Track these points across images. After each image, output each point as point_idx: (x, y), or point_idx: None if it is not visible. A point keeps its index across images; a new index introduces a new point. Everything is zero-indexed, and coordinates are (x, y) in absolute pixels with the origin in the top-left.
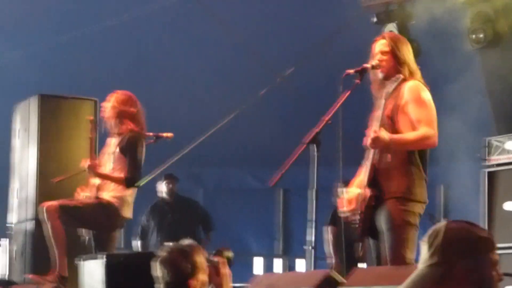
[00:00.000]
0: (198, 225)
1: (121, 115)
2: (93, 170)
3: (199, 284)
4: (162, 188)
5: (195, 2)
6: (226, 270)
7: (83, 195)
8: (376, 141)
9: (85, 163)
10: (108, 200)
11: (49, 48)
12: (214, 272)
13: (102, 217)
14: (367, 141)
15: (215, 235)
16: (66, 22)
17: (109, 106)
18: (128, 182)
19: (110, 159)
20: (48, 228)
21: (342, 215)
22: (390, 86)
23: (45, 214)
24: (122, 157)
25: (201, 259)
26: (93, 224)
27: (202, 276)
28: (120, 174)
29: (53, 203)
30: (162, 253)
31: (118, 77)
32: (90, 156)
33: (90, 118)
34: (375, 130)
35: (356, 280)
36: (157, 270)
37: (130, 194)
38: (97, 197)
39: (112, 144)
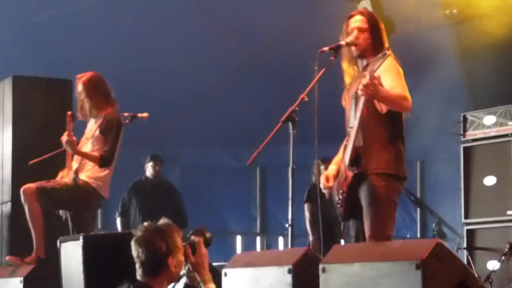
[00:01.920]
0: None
1: (94, 98)
2: (71, 145)
3: (175, 263)
4: (148, 169)
5: None
6: (203, 250)
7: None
8: (371, 86)
9: (64, 139)
10: (85, 180)
11: (23, 29)
12: (191, 251)
13: (79, 198)
14: (361, 86)
15: (193, 214)
16: (41, 2)
17: (81, 88)
18: (103, 161)
19: (89, 141)
20: (26, 210)
21: (322, 191)
22: (376, 63)
23: (22, 196)
24: (101, 137)
25: (177, 238)
26: (71, 205)
27: (179, 256)
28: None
29: (31, 185)
30: (138, 232)
31: (93, 57)
32: (68, 133)
33: (69, 113)
34: (366, 77)
35: (335, 257)
36: (133, 250)
37: (107, 173)
38: (74, 179)
39: (91, 125)
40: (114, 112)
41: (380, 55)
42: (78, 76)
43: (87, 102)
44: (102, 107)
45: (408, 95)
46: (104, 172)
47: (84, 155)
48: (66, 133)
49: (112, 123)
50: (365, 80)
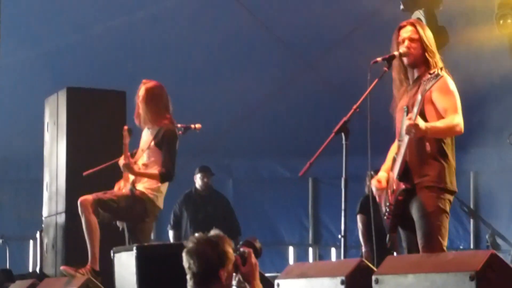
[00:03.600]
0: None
1: (152, 108)
2: (129, 169)
3: (226, 275)
4: (197, 181)
5: None
6: (253, 260)
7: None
8: (414, 128)
9: (121, 163)
10: (142, 191)
11: (78, 41)
12: (241, 262)
13: (136, 209)
14: (405, 129)
15: (245, 225)
16: (94, 15)
17: (140, 97)
18: (164, 177)
19: (144, 153)
20: (82, 221)
21: (375, 194)
22: (428, 83)
23: (79, 208)
24: (157, 150)
25: (228, 249)
26: (128, 216)
27: (230, 267)
28: (154, 167)
29: (88, 197)
30: (189, 243)
31: (146, 68)
32: (124, 156)
33: (125, 128)
34: (412, 117)
35: (389, 268)
36: (184, 261)
37: (164, 185)
38: (131, 189)
39: (146, 136)
40: (169, 124)
41: (433, 75)
42: (145, 80)
43: (143, 109)
44: (158, 118)
45: (459, 116)
46: (162, 189)
47: (144, 175)
48: (123, 156)
49: (168, 136)
50: (407, 122)
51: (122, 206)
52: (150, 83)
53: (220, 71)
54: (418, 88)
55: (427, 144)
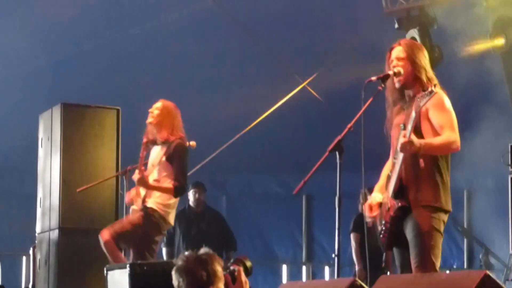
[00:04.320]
0: (221, 240)
1: (167, 124)
2: (143, 183)
3: None
4: (190, 197)
5: (218, 8)
6: (243, 279)
7: (133, 207)
8: (408, 145)
9: (135, 177)
10: (154, 208)
11: (72, 57)
12: (231, 280)
13: (151, 230)
14: (399, 146)
15: (239, 241)
16: (90, 30)
17: (155, 114)
18: (178, 190)
19: (155, 168)
20: (109, 257)
21: (366, 220)
22: (422, 100)
23: (104, 248)
24: (168, 165)
25: (217, 267)
26: (143, 240)
27: (219, 285)
28: (166, 182)
29: (108, 237)
30: (179, 261)
31: (141, 85)
32: (139, 169)
33: (144, 141)
34: (406, 134)
35: (382, 287)
36: (174, 279)
37: (174, 201)
38: (142, 208)
39: (157, 152)
40: (180, 139)
41: (427, 91)
42: (162, 100)
43: (155, 124)
44: (170, 134)
45: (456, 134)
46: (172, 200)
47: (158, 189)
48: (137, 171)
49: (178, 150)
50: (402, 139)
51: (139, 233)
52: (168, 102)
53: (214, 87)
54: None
55: (422, 162)
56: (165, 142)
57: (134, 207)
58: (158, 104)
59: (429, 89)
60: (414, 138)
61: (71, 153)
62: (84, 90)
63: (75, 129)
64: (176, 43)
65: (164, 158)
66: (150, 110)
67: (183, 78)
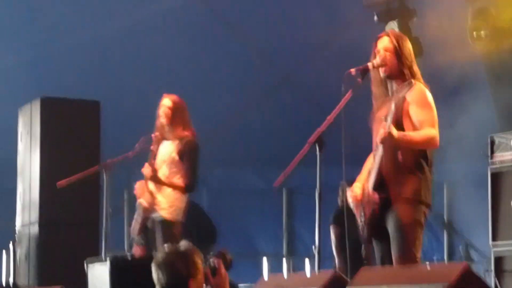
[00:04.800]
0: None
1: (179, 121)
2: (155, 178)
3: (195, 286)
4: None
5: (201, 4)
6: (223, 272)
7: (140, 201)
8: (388, 137)
9: (146, 171)
10: (167, 219)
11: (53, 51)
12: (211, 273)
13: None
14: (378, 138)
15: (221, 234)
16: (71, 24)
17: (166, 108)
18: (188, 188)
19: (165, 164)
20: None
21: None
22: (401, 91)
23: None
24: (179, 161)
25: (197, 260)
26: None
27: (199, 278)
28: (175, 178)
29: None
30: (158, 254)
31: (121, 78)
32: (149, 163)
33: (156, 134)
34: (385, 126)
35: (362, 279)
36: (153, 273)
37: (183, 200)
38: (161, 220)
39: (166, 148)
40: (191, 136)
41: (406, 83)
42: (166, 94)
43: (168, 122)
44: (182, 130)
45: (435, 130)
46: (181, 200)
47: (169, 185)
48: (147, 164)
49: (190, 147)
50: (382, 131)
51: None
52: (175, 96)
53: (196, 82)
54: None
55: (402, 155)
56: (175, 139)
57: (141, 201)
58: (167, 102)
59: (408, 81)
60: (393, 130)
61: (51, 147)
62: (64, 85)
63: (55, 123)
64: (159, 38)
65: (174, 154)
66: (160, 108)
67: (164, 73)
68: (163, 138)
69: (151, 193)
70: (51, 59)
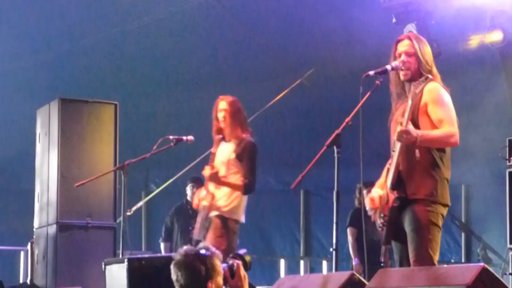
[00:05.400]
0: None
1: (236, 122)
2: (215, 179)
3: (214, 287)
4: (187, 192)
5: (216, 4)
6: (242, 273)
7: (201, 205)
8: (405, 134)
9: (206, 172)
10: (223, 215)
11: (70, 53)
12: (230, 275)
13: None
14: (396, 134)
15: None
16: (87, 26)
17: (224, 111)
18: (247, 188)
19: (224, 165)
20: None
21: (368, 213)
22: (417, 87)
23: None
24: (237, 162)
25: (216, 262)
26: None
27: (218, 279)
28: (235, 178)
29: None
30: (177, 256)
31: (138, 79)
32: (210, 165)
33: (219, 137)
34: (403, 124)
35: (380, 281)
36: (172, 273)
37: (242, 200)
38: (216, 215)
39: (226, 149)
40: (249, 137)
41: (422, 78)
42: (222, 96)
43: (227, 123)
44: (240, 131)
45: (455, 128)
46: (242, 199)
47: (229, 185)
48: (207, 167)
49: (249, 148)
50: (399, 128)
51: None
52: (230, 97)
53: (210, 79)
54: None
55: (418, 152)
56: (234, 140)
57: (203, 202)
58: (224, 105)
59: (424, 76)
60: (411, 127)
61: (68, 148)
62: (82, 85)
63: (72, 124)
64: (172, 38)
65: (233, 156)
66: (216, 111)
67: (180, 72)
68: (222, 140)
69: (211, 194)
70: (69, 60)
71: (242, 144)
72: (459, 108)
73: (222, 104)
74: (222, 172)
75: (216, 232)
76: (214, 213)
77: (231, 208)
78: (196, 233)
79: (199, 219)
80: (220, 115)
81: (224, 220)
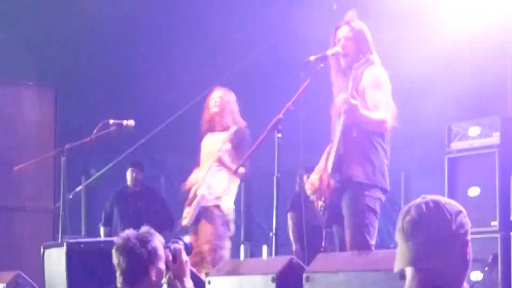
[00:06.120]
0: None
1: (227, 110)
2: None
3: (156, 272)
4: (127, 176)
5: None
6: (183, 257)
7: (198, 192)
8: (349, 103)
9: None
10: (220, 206)
11: (8, 36)
12: (172, 259)
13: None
14: (341, 103)
15: (177, 222)
16: (25, 8)
17: (218, 102)
18: (245, 176)
19: (219, 153)
20: None
21: (310, 198)
22: (358, 69)
23: None
24: (233, 152)
25: (158, 246)
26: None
27: (160, 264)
28: (227, 164)
29: None
30: (119, 240)
31: (81, 65)
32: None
33: (234, 129)
34: (347, 94)
35: (319, 265)
36: (114, 258)
37: (235, 187)
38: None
39: (218, 138)
40: (242, 127)
41: (363, 60)
42: (217, 87)
43: (218, 111)
44: (231, 120)
45: (389, 113)
46: (235, 190)
47: (228, 167)
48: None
49: (242, 135)
50: (343, 98)
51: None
52: (225, 89)
53: (157, 68)
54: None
55: (357, 134)
56: (224, 129)
57: (199, 191)
58: (217, 93)
59: (365, 58)
60: (354, 99)
61: (7, 132)
62: (23, 70)
63: (12, 107)
64: (117, 21)
65: (228, 146)
66: (210, 100)
67: (122, 56)
68: (211, 129)
69: (204, 180)
70: (9, 44)
71: (234, 131)
72: (399, 94)
73: (216, 93)
74: (212, 161)
75: (218, 221)
76: (212, 203)
77: (229, 197)
78: (189, 221)
79: (193, 206)
80: (212, 102)
81: (223, 208)
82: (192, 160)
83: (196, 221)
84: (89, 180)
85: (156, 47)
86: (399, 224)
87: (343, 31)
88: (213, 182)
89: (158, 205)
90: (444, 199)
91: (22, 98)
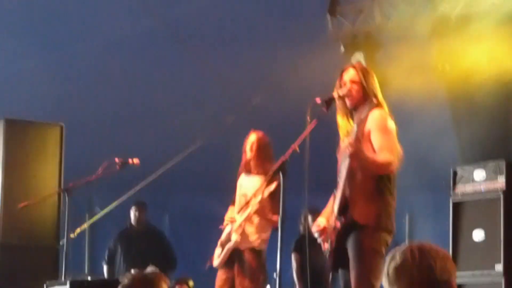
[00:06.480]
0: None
1: (262, 154)
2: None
3: None
4: (131, 216)
5: (165, 29)
6: None
7: (233, 236)
8: (353, 147)
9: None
10: (256, 248)
11: (14, 73)
12: None
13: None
14: (346, 147)
15: (181, 261)
16: (33, 46)
17: (254, 146)
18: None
19: (253, 197)
20: None
21: (317, 240)
22: (362, 112)
23: None
24: (269, 201)
25: (163, 286)
26: None
27: None
28: (264, 213)
29: None
30: (125, 280)
31: (85, 102)
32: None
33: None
34: (351, 139)
35: None
36: None
37: (268, 231)
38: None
39: (253, 182)
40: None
41: (368, 103)
42: (253, 130)
43: (253, 155)
44: (267, 165)
45: (394, 156)
46: (268, 235)
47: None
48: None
49: (278, 187)
50: (348, 142)
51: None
52: (261, 132)
53: (159, 106)
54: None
55: (362, 178)
56: (260, 174)
57: (234, 235)
58: (253, 137)
59: (371, 101)
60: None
61: (13, 169)
62: (28, 107)
63: (17, 145)
64: (120, 62)
65: (266, 193)
66: (246, 144)
67: (126, 96)
68: (246, 171)
69: (240, 225)
70: (15, 81)
71: (277, 184)
72: (404, 137)
73: (252, 137)
74: (250, 210)
75: (252, 266)
76: (246, 247)
77: (262, 240)
78: (220, 263)
79: (226, 249)
80: (248, 147)
81: (259, 254)
82: (197, 200)
83: (228, 263)
84: (94, 219)
85: (164, 86)
86: (384, 270)
87: (349, 74)
88: (251, 231)
89: (162, 245)
90: (429, 245)
91: (29, 135)
